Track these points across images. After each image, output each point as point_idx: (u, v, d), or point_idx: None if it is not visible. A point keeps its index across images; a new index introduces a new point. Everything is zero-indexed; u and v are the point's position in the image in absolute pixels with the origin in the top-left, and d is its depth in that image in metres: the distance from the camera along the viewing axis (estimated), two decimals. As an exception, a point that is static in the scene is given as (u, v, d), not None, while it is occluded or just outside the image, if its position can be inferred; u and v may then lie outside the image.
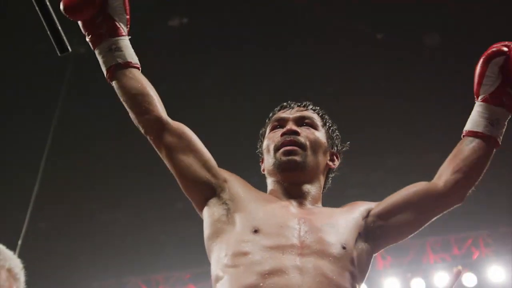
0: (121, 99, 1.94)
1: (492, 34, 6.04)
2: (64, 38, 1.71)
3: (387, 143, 7.03)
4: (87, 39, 1.94)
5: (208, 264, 1.91)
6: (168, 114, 1.97)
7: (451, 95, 6.30)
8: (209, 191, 1.94)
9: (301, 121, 2.06)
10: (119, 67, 1.90)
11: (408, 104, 6.60)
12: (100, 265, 8.60)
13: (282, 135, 2.02)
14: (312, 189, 2.01)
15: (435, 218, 1.99)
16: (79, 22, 1.92)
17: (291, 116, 2.08)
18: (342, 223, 1.90)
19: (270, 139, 2.06)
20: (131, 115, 1.94)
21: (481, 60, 1.97)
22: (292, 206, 1.94)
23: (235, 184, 1.96)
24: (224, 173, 1.98)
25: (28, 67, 6.36)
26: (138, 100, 1.91)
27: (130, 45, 1.94)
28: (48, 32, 1.70)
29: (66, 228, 8.25)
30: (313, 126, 2.06)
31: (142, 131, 1.95)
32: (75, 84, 6.28)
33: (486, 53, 1.97)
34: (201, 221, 1.98)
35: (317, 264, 1.75)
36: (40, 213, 6.97)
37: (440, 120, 6.56)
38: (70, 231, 8.28)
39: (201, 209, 1.97)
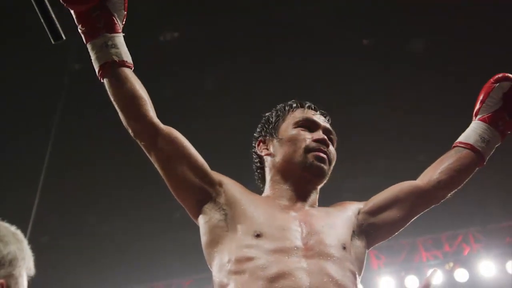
0: (112, 98, 1.83)
1: (477, 41, 6.10)
2: (58, 25, 1.60)
3: (377, 148, 7.04)
4: (80, 31, 1.81)
5: (208, 270, 1.86)
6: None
7: (438, 99, 6.32)
8: (204, 196, 1.87)
9: (328, 134, 2.02)
10: (114, 65, 1.79)
11: (396, 109, 6.62)
12: (101, 276, 8.57)
13: (316, 141, 1.96)
14: (315, 194, 2.00)
15: (418, 215, 2.02)
16: (74, 13, 1.78)
17: (321, 124, 2.04)
18: (339, 223, 1.90)
19: (300, 137, 1.97)
20: (122, 116, 1.84)
21: (489, 81, 2.02)
22: (291, 208, 1.90)
23: (230, 187, 1.90)
24: (219, 176, 1.92)
25: (26, 83, 6.33)
26: (131, 103, 1.81)
27: (124, 43, 1.83)
28: (42, 20, 1.60)
29: (67, 241, 8.21)
30: (333, 143, 2.04)
31: (132, 134, 1.86)
32: (72, 99, 6.25)
33: (495, 76, 2.03)
34: (199, 229, 1.92)
35: (321, 265, 1.73)
36: (41, 228, 6.94)
37: (427, 125, 6.57)
38: (70, 244, 8.25)
39: (196, 215, 1.90)
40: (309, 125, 2.02)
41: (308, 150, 1.94)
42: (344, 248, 1.82)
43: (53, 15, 1.60)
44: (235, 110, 6.50)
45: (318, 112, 2.08)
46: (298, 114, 2.05)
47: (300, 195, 1.95)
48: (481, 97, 2.03)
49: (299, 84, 6.28)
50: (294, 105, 2.09)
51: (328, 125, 2.05)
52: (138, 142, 1.87)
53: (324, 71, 6.37)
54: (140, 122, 1.82)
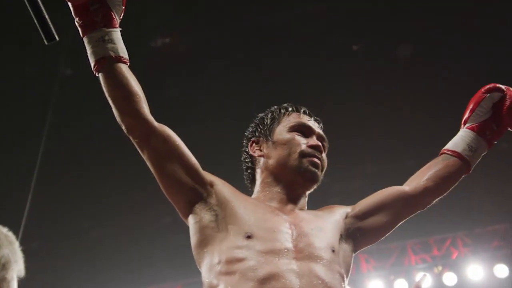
0: (107, 94, 1.80)
1: (465, 46, 6.15)
2: (51, 26, 1.58)
3: (366, 152, 7.07)
4: (77, 24, 1.78)
5: (198, 274, 1.84)
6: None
7: (426, 104, 6.35)
8: (195, 196, 1.85)
9: (321, 141, 2.02)
10: (111, 60, 1.76)
11: (384, 113, 6.64)
12: (92, 281, 8.53)
13: (311, 147, 1.96)
14: (304, 198, 2.00)
15: (403, 220, 2.03)
16: (72, 5, 1.74)
17: (316, 130, 2.04)
18: (328, 226, 1.90)
19: (295, 141, 1.97)
20: (116, 112, 1.81)
21: (480, 90, 2.04)
22: (281, 211, 1.89)
23: (222, 188, 1.88)
24: (210, 177, 1.90)
25: (17, 86, 6.32)
26: (126, 99, 1.78)
27: (121, 39, 1.80)
28: (35, 20, 1.58)
29: (58, 246, 8.18)
30: (325, 150, 2.05)
31: (125, 130, 1.82)
32: (64, 104, 6.24)
33: (486, 86, 2.04)
34: (189, 234, 1.89)
35: (311, 267, 1.73)
36: (32, 233, 6.90)
37: (416, 129, 6.60)
38: (61, 249, 8.21)
39: (186, 215, 1.88)
40: (304, 130, 2.01)
41: (303, 155, 1.94)
42: (333, 251, 1.83)
43: (46, 16, 1.58)
44: (222, 115, 6.49)
45: (312, 118, 2.08)
46: (293, 119, 2.05)
47: (291, 198, 1.95)
48: (471, 106, 2.05)
49: (289, 88, 6.29)
50: (290, 108, 2.08)
51: (322, 132, 2.06)
52: (131, 139, 1.84)
53: (313, 76, 6.38)
54: (135, 118, 1.79)
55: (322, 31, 6.15)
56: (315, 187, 1.99)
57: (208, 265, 1.77)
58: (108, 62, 1.76)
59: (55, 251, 8.22)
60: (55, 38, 1.60)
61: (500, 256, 8.01)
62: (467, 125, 2.06)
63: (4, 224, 1.55)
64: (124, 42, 1.80)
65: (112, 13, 1.77)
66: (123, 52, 1.79)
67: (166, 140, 1.83)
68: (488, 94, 2.03)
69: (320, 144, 1.99)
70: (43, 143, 6.09)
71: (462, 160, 2.02)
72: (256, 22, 6.14)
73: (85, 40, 1.79)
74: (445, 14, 5.96)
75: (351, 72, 6.37)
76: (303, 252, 1.76)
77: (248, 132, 2.12)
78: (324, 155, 2.01)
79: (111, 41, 1.77)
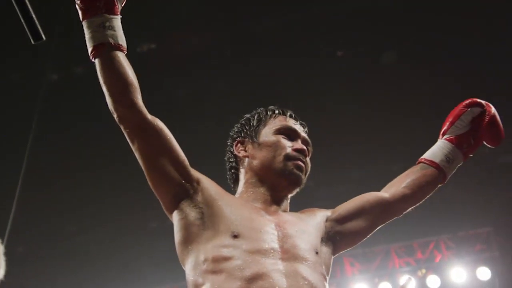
0: (102, 81, 1.75)
1: (445, 53, 6.18)
2: (38, 26, 1.57)
3: (351, 157, 7.09)
4: (78, 6, 1.75)
5: (184, 278, 1.79)
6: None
7: (409, 110, 6.38)
8: (181, 192, 1.81)
9: (306, 144, 2.02)
10: (110, 47, 1.73)
11: (368, 119, 6.67)
12: (76, 284, 8.47)
13: (296, 150, 1.95)
14: (287, 201, 2.00)
15: (381, 226, 2.04)
16: None
17: (301, 133, 2.03)
18: (311, 229, 1.89)
19: (281, 144, 1.96)
20: (109, 100, 1.76)
21: (461, 104, 2.08)
22: (266, 212, 1.87)
23: (208, 186, 1.85)
24: (197, 174, 1.87)
25: (2, 92, 6.27)
26: (122, 87, 1.74)
27: (121, 27, 1.77)
28: (22, 19, 1.56)
29: (44, 251, 8.12)
30: (309, 154, 2.04)
31: (117, 119, 1.78)
32: (50, 108, 6.19)
33: (467, 100, 2.08)
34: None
35: (297, 268, 1.72)
36: (18, 237, 6.84)
37: (399, 134, 6.62)
38: (47, 254, 8.16)
39: (171, 210, 1.84)
40: (290, 134, 2.01)
41: (288, 158, 1.94)
42: (317, 253, 1.83)
43: (33, 15, 1.57)
44: (207, 117, 6.48)
45: (298, 122, 2.07)
46: (279, 122, 2.04)
47: (275, 200, 1.94)
48: (451, 119, 2.08)
49: (275, 93, 6.29)
50: (276, 111, 2.07)
51: (307, 136, 2.05)
52: (122, 128, 1.80)
53: (298, 82, 6.40)
54: (129, 108, 1.75)
55: (308, 38, 6.17)
56: (298, 190, 1.99)
57: (193, 263, 1.75)
58: (106, 48, 1.73)
59: (41, 256, 8.16)
60: (42, 37, 1.58)
61: (482, 259, 8.06)
62: (445, 136, 2.09)
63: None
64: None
65: (115, 0, 1.75)
66: (122, 41, 1.77)
67: (158, 132, 1.80)
68: (469, 109, 2.07)
69: (305, 148, 1.99)
70: (29, 147, 6.04)
71: (439, 170, 2.05)
72: (242, 31, 6.15)
73: (84, 24, 1.75)
74: (428, 21, 6.00)
75: (336, 77, 6.39)
76: (289, 253, 1.75)
77: (233, 132, 2.10)
78: (308, 159, 2.01)
79: (112, 28, 1.74)
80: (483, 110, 2.06)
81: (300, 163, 1.95)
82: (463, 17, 5.93)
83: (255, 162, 1.97)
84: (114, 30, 1.74)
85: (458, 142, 2.07)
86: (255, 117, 2.07)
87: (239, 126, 2.09)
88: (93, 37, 1.74)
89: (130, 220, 7.77)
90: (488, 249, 8.11)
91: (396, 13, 5.99)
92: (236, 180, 2.05)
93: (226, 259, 1.69)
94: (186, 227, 1.79)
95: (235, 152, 2.04)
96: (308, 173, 2.00)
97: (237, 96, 6.28)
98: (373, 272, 8.29)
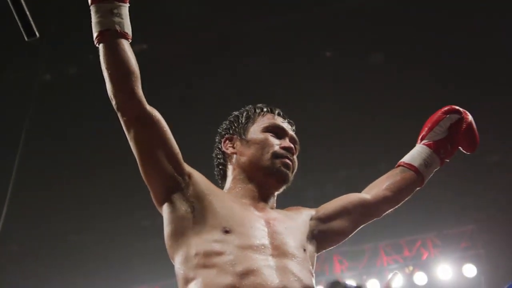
0: (105, 67, 1.73)
1: (432, 55, 6.21)
2: (32, 23, 1.56)
3: (337, 158, 7.11)
4: None
5: (175, 275, 1.78)
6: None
7: (395, 110, 6.41)
8: (173, 184, 1.79)
9: (293, 143, 2.01)
10: (116, 34, 1.71)
11: (355, 120, 6.68)
12: (70, 283, 8.45)
13: (284, 148, 1.95)
14: (274, 198, 1.99)
15: (362, 226, 2.06)
16: None
17: (289, 132, 2.02)
18: (298, 226, 1.90)
19: (269, 142, 1.95)
20: (110, 86, 1.73)
21: (441, 110, 2.12)
22: (255, 208, 1.87)
23: (199, 180, 1.83)
24: (189, 168, 1.85)
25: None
26: (124, 75, 1.72)
27: (128, 15, 1.75)
28: (15, 16, 1.55)
29: (37, 249, 8.09)
30: (296, 152, 2.03)
31: (115, 106, 1.75)
32: (43, 109, 6.17)
33: (447, 107, 2.12)
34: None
35: (286, 264, 1.72)
36: (12, 236, 6.82)
37: (386, 135, 6.64)
38: (41, 252, 8.12)
39: (161, 202, 1.81)
40: (278, 132, 2.00)
41: (276, 156, 1.93)
42: (304, 250, 1.83)
43: (27, 12, 1.56)
44: (196, 120, 6.48)
45: (286, 120, 2.07)
46: (267, 119, 2.03)
47: (262, 196, 1.93)
48: (429, 124, 2.12)
49: (263, 93, 6.29)
50: (265, 109, 2.06)
51: (294, 135, 2.05)
52: (119, 116, 1.77)
53: (288, 82, 6.40)
54: (129, 96, 1.73)
55: (297, 38, 6.18)
56: (284, 187, 1.99)
57: (184, 257, 1.73)
58: (112, 35, 1.72)
59: (34, 253, 8.13)
60: (35, 34, 1.58)
61: (468, 257, 8.11)
62: (424, 141, 2.12)
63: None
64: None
65: None
66: (128, 29, 1.76)
67: (155, 123, 1.77)
68: (448, 115, 2.11)
69: (292, 146, 1.98)
70: (21, 146, 6.01)
71: (418, 174, 2.08)
72: (230, 31, 6.15)
73: (92, 8, 1.74)
74: (413, 24, 6.03)
75: (325, 78, 6.40)
76: (279, 250, 1.75)
77: (221, 128, 2.09)
78: (295, 157, 2.01)
79: (120, 15, 1.73)
80: (461, 117, 2.11)
81: (288, 161, 1.94)
82: (452, 17, 5.96)
83: (243, 159, 1.96)
84: (122, 18, 1.73)
85: (436, 148, 2.10)
86: (244, 114, 2.06)
87: (227, 123, 2.08)
88: (100, 22, 1.72)
89: (123, 220, 7.75)
90: (473, 247, 8.16)
91: (385, 13, 6.01)
92: (224, 176, 2.03)
93: (218, 253, 1.68)
94: (177, 220, 1.77)
95: (223, 149, 2.02)
96: (295, 171, 2.01)
97: (226, 97, 6.28)
98: (361, 270, 8.33)
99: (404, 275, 8.11)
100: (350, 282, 8.05)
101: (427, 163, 2.08)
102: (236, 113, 2.10)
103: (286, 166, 1.94)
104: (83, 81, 5.99)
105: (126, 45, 1.75)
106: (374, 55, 6.42)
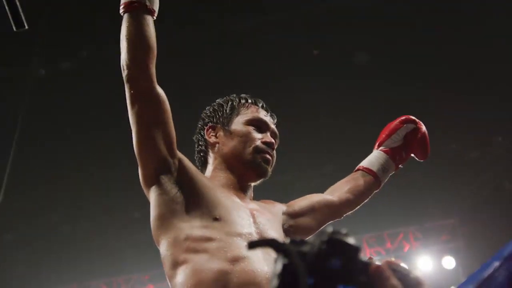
0: (125, 37, 1.70)
1: (415, 57, 6.23)
2: (22, 14, 1.54)
3: (323, 153, 7.12)
4: None
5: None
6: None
7: (378, 106, 6.42)
8: (164, 166, 1.75)
9: (274, 137, 2.01)
10: (144, 8, 1.71)
11: (340, 116, 6.70)
12: (63, 271, 8.43)
13: (265, 143, 1.94)
14: (251, 189, 1.99)
15: (325, 225, 2.08)
16: None
17: (271, 126, 2.02)
18: (275, 219, 1.91)
19: (251, 136, 1.94)
20: (126, 56, 1.71)
21: (398, 119, 2.19)
22: (238, 198, 1.86)
23: (188, 166, 1.81)
24: (179, 153, 1.81)
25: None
26: (143, 49, 1.70)
27: None
28: (5, 6, 1.53)
29: (31, 238, 8.05)
30: (276, 145, 2.03)
31: (126, 77, 1.71)
32: (38, 101, 6.14)
33: (404, 116, 2.20)
34: None
35: (270, 254, 1.66)
36: (6, 225, 6.78)
37: (370, 130, 6.65)
38: (34, 241, 8.09)
39: (150, 183, 1.77)
40: (261, 126, 1.99)
41: (257, 151, 1.92)
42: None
43: (18, 2, 1.54)
44: (185, 116, 6.46)
45: (269, 114, 2.06)
46: (251, 113, 2.01)
47: (242, 187, 1.93)
48: (387, 132, 2.19)
49: (251, 89, 6.27)
50: (249, 100, 2.05)
51: (275, 129, 2.05)
52: (127, 88, 1.72)
53: (276, 79, 6.40)
54: (143, 70, 1.71)
55: (285, 37, 6.18)
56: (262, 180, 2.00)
57: (172, 240, 1.70)
58: (140, 8, 1.72)
59: (28, 242, 8.10)
60: (24, 25, 1.56)
61: (448, 249, 8.17)
62: (381, 147, 2.19)
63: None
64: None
65: None
66: (156, 7, 1.76)
67: (161, 103, 1.75)
68: (404, 125, 2.18)
69: (273, 141, 1.98)
70: (16, 140, 5.97)
71: (376, 178, 2.14)
72: (222, 28, 6.13)
73: None
74: (399, 24, 6.04)
75: (311, 75, 6.40)
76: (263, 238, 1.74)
77: (205, 115, 2.06)
78: (274, 152, 2.00)
79: None
80: (416, 127, 2.17)
81: (268, 156, 1.94)
82: (438, 19, 5.99)
83: (225, 150, 1.95)
84: None
85: (392, 154, 2.17)
86: (228, 104, 2.03)
87: (211, 110, 2.05)
88: None
89: (114, 210, 7.73)
90: (453, 240, 8.22)
91: (371, 13, 6.03)
92: (204, 163, 2.01)
93: (208, 239, 1.67)
94: (166, 203, 1.74)
95: (206, 137, 2.01)
96: (273, 165, 2.00)
97: (214, 93, 6.27)
98: (345, 261, 8.36)
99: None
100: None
101: (384, 168, 2.16)
102: (220, 101, 2.07)
103: (266, 161, 1.94)
104: (78, 76, 5.97)
105: (150, 21, 1.75)
106: (360, 53, 6.43)
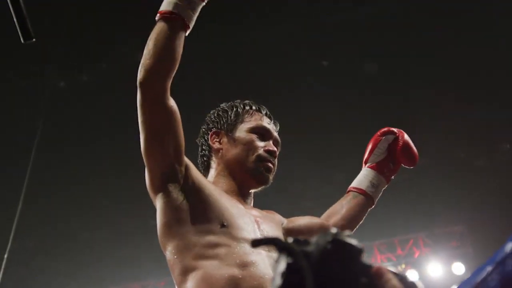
0: (152, 44, 1.68)
1: (422, 66, 6.20)
2: (29, 26, 1.53)
3: (335, 161, 7.09)
4: None
5: None
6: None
7: (387, 116, 6.40)
8: (172, 173, 1.73)
9: (276, 145, 2.00)
10: (180, 22, 1.70)
11: (350, 125, 6.67)
12: (82, 278, 8.46)
13: (268, 151, 1.93)
14: (252, 196, 1.98)
15: None
16: None
17: (273, 134, 2.01)
18: (277, 228, 1.90)
19: (255, 144, 1.93)
20: (147, 62, 1.67)
21: (377, 133, 2.16)
22: (242, 204, 1.85)
23: (195, 173, 1.79)
24: (187, 160, 1.79)
25: (10, 97, 6.24)
26: (168, 62, 1.68)
27: (198, 14, 1.75)
28: (14, 18, 1.52)
29: (51, 245, 8.09)
30: (278, 152, 2.02)
31: (141, 80, 1.68)
32: (57, 109, 6.18)
33: (381, 130, 2.16)
34: None
35: (274, 259, 1.66)
36: (26, 232, 6.81)
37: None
38: (54, 248, 8.13)
39: (157, 190, 1.75)
40: (264, 134, 1.98)
41: (260, 159, 1.91)
42: None
43: (26, 14, 1.53)
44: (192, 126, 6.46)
45: (272, 121, 2.05)
46: (255, 120, 2.00)
47: (243, 194, 1.92)
48: (369, 148, 2.16)
49: (261, 100, 6.27)
50: (254, 107, 2.04)
51: (278, 137, 2.03)
52: (140, 92, 1.69)
53: (286, 89, 6.40)
54: (159, 79, 1.68)
55: (295, 48, 6.18)
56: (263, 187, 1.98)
57: (181, 246, 1.68)
58: (176, 21, 1.71)
59: (48, 249, 8.14)
60: (32, 37, 1.54)
61: (457, 255, 8.11)
62: (368, 164, 2.16)
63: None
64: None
65: None
66: (191, 24, 1.75)
67: (172, 112, 1.72)
68: (384, 137, 2.14)
69: (275, 149, 1.97)
70: (35, 149, 6.01)
71: (367, 197, 2.11)
72: (233, 39, 6.14)
73: None
74: (406, 36, 6.03)
75: (322, 86, 6.40)
76: (268, 246, 1.71)
77: (209, 119, 2.05)
78: (276, 160, 1.99)
79: (193, 8, 1.73)
80: (396, 137, 2.13)
81: (270, 164, 1.93)
82: (443, 27, 5.97)
83: (228, 157, 1.94)
84: (193, 13, 1.73)
85: (379, 168, 2.14)
86: (233, 110, 2.03)
87: (215, 115, 2.04)
88: (173, 4, 1.71)
89: (131, 218, 7.75)
90: (462, 246, 8.16)
91: (379, 25, 6.02)
92: (207, 168, 2.00)
93: (217, 245, 1.65)
94: (173, 209, 1.72)
95: (210, 142, 2.00)
96: (275, 172, 1.99)
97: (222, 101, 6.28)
98: (356, 267, 8.32)
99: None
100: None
101: (373, 184, 2.12)
102: (224, 106, 2.06)
103: (268, 170, 1.93)
104: (96, 88, 6.00)
105: (182, 37, 1.73)
106: (369, 64, 6.42)
